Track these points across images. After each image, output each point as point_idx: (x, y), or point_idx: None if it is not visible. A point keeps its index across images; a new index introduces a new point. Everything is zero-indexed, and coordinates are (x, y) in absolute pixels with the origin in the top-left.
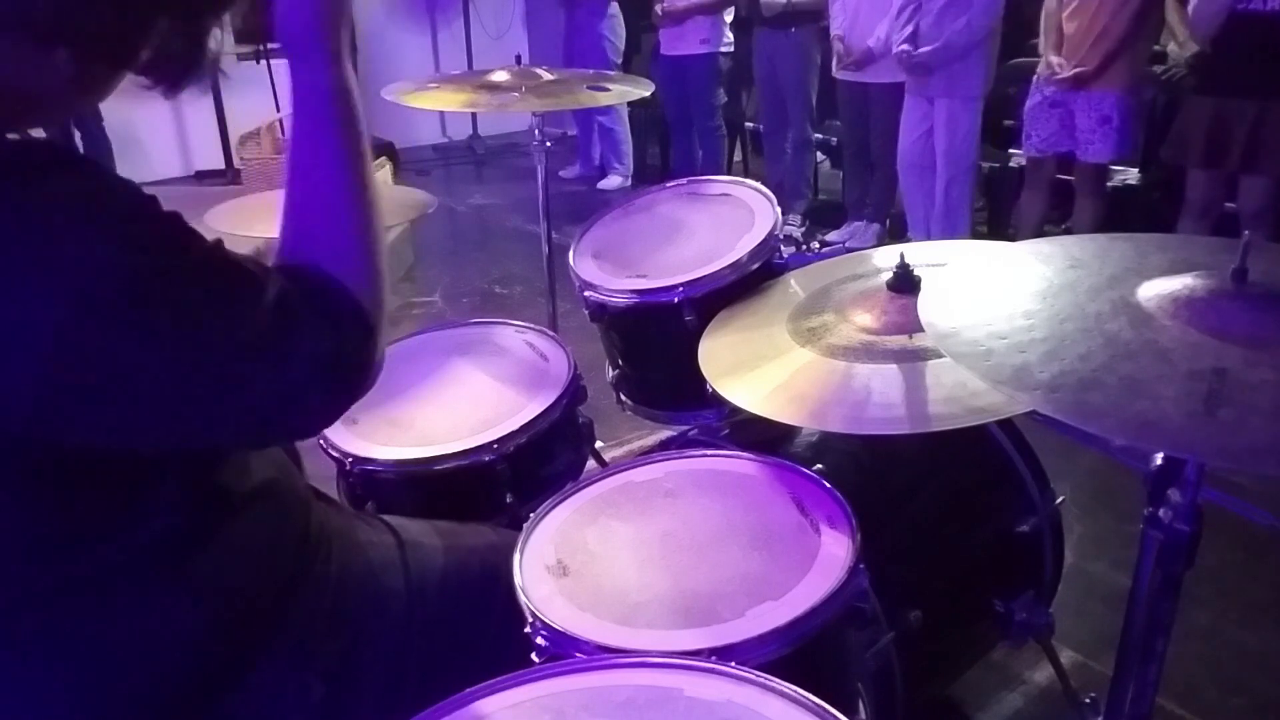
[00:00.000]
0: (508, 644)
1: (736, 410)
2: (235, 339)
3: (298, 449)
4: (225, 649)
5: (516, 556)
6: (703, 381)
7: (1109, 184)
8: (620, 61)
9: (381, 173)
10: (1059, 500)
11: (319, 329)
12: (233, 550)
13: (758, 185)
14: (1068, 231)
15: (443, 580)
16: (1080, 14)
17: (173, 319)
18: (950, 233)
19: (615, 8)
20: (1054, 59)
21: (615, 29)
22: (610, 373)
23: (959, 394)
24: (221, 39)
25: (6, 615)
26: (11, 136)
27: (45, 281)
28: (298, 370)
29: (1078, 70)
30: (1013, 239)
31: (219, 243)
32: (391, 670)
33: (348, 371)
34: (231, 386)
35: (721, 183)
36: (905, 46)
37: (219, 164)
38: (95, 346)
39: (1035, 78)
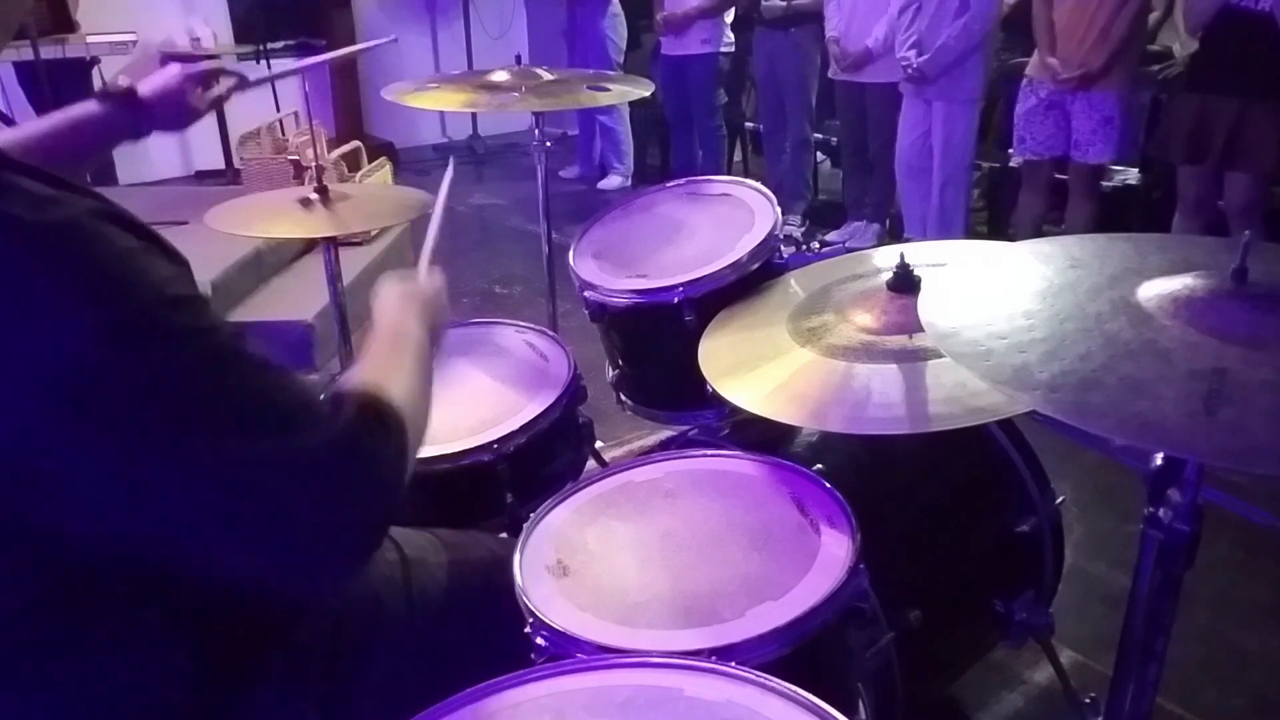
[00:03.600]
0: (508, 644)
1: (736, 410)
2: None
3: None
4: (219, 680)
5: (516, 557)
6: (703, 381)
7: (1108, 184)
8: (622, 60)
9: (381, 173)
10: (1059, 500)
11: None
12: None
13: (758, 185)
14: (1067, 232)
15: (445, 599)
16: (1077, 14)
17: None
18: (945, 233)
19: (617, 6)
20: (1052, 60)
21: (617, 28)
22: (610, 373)
23: (959, 394)
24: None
25: (9, 656)
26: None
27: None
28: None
29: (1083, 71)
30: (1012, 239)
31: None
32: (389, 693)
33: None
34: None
35: (721, 183)
36: (910, 54)
37: (219, 164)
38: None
39: (1026, 80)
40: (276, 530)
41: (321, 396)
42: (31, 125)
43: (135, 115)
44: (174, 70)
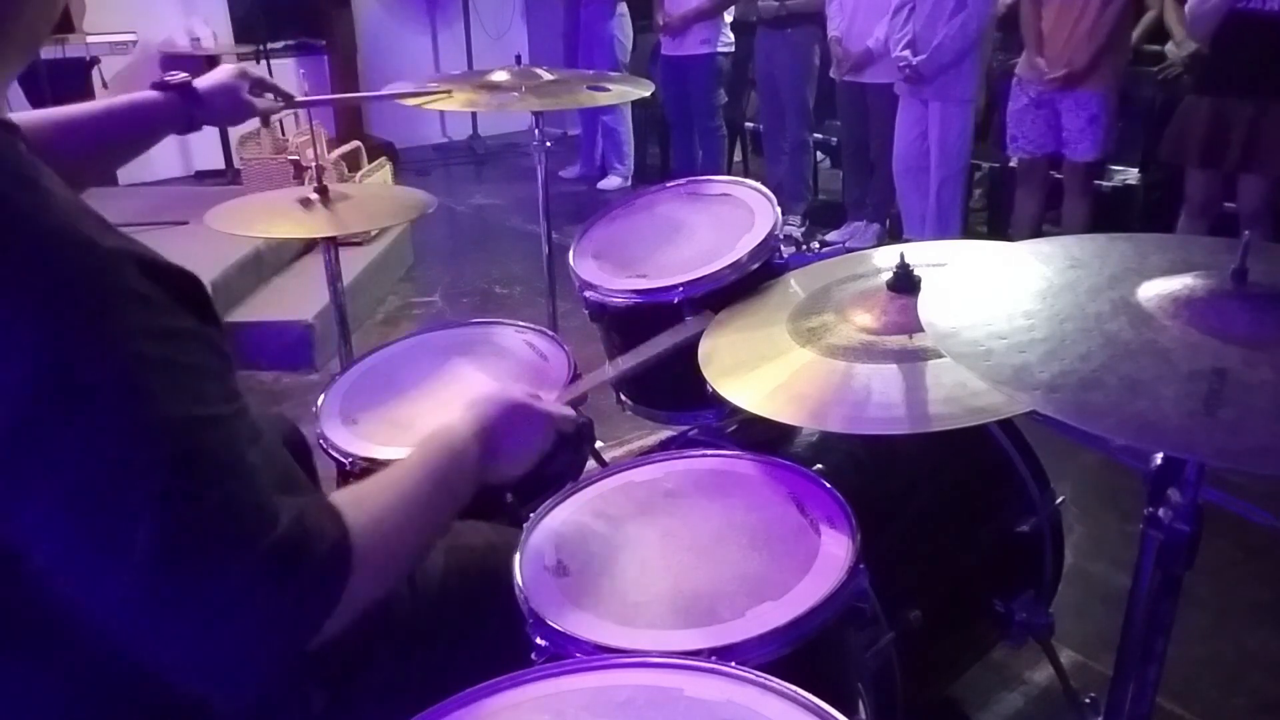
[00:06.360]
0: (508, 644)
1: (736, 410)
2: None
3: (310, 450)
4: None
5: (516, 556)
6: (703, 381)
7: (1108, 184)
8: (628, 61)
9: (381, 173)
10: (1059, 500)
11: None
12: None
13: (758, 185)
14: (1064, 231)
15: (444, 582)
16: (1064, 14)
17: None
18: (942, 233)
19: (624, 7)
20: (1039, 60)
21: (624, 28)
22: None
23: (959, 394)
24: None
25: (23, 625)
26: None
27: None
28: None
29: (1068, 71)
30: (1012, 239)
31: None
32: (393, 675)
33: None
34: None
35: (721, 183)
36: (905, 53)
37: (219, 164)
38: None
39: (1016, 79)
40: (188, 631)
41: (286, 501)
42: (89, 105)
43: (190, 106)
44: (230, 68)
